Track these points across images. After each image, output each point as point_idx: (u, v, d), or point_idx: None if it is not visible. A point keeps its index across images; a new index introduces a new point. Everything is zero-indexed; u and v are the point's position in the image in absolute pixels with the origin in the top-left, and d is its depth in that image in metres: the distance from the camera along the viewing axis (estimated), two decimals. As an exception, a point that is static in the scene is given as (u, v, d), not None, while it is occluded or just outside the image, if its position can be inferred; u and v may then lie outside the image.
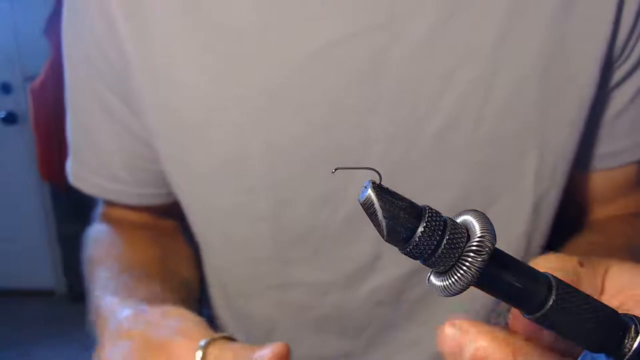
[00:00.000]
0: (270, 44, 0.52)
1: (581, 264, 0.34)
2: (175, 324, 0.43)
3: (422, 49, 0.51)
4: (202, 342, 0.40)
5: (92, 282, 0.58)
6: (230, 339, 0.42)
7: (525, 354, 0.32)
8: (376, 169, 0.23)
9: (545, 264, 0.34)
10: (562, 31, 0.52)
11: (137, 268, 0.60)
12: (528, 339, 0.32)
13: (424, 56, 0.51)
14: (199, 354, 0.40)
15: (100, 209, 0.71)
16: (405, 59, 0.51)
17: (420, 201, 0.22)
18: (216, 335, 0.42)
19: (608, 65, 0.54)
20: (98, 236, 0.68)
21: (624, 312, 0.32)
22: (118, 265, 0.60)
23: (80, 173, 0.67)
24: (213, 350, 0.40)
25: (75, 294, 3.14)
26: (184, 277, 0.66)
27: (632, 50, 0.54)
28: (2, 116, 3.15)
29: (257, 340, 0.65)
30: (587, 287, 0.33)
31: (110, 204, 0.69)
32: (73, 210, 2.81)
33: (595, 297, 0.34)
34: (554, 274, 0.33)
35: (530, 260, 0.35)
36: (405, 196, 0.22)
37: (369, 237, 0.57)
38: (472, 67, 0.52)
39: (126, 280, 0.56)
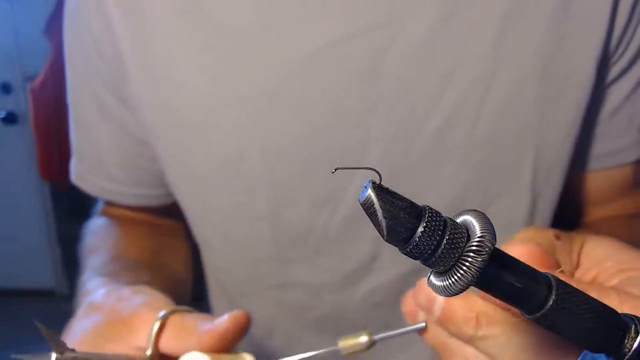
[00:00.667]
0: (270, 44, 0.52)
1: (557, 237, 0.35)
2: (143, 299, 0.44)
3: (421, 49, 0.51)
4: (162, 313, 0.41)
5: (83, 270, 0.58)
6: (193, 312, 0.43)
7: (491, 318, 0.32)
8: (376, 169, 0.23)
9: (523, 235, 0.35)
10: (561, 31, 0.52)
11: (129, 258, 0.60)
12: (503, 307, 0.33)
13: (424, 56, 0.51)
14: (157, 324, 0.40)
15: (100, 206, 0.72)
16: (405, 58, 0.51)
17: (420, 201, 0.22)
18: (179, 307, 0.42)
19: (604, 62, 0.54)
20: (96, 228, 0.68)
21: (598, 284, 0.33)
22: (110, 254, 0.60)
23: (81, 172, 0.67)
24: (175, 319, 0.41)
25: (75, 294, 3.14)
26: (175, 271, 0.66)
27: (627, 46, 0.54)
28: (2, 116, 3.14)
29: (257, 340, 0.65)
30: (563, 260, 0.34)
31: (109, 203, 0.69)
32: (73, 210, 2.81)
33: (571, 271, 0.34)
34: (530, 245, 0.33)
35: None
36: (405, 196, 0.22)
37: (369, 237, 0.57)
38: (471, 67, 0.52)
39: (116, 267, 0.57)
